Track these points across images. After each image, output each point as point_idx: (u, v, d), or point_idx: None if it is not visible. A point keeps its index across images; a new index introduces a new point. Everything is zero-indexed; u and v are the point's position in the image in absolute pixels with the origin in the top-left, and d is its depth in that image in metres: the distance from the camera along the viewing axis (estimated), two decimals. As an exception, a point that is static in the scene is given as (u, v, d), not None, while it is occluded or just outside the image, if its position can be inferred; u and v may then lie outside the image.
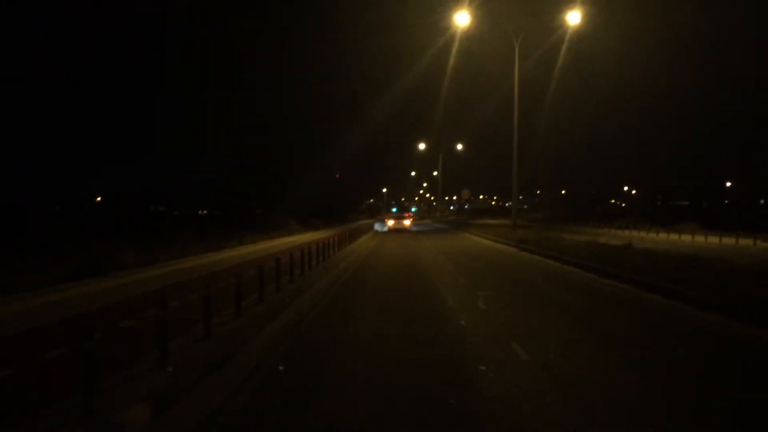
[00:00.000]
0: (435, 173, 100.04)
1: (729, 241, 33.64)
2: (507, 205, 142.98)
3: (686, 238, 38.40)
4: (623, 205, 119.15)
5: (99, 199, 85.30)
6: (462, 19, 33.48)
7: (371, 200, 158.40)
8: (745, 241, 32.44)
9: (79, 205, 75.71)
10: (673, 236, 40.51)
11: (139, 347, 8.18)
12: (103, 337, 6.29)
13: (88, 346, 5.88)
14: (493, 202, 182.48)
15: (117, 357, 7.59)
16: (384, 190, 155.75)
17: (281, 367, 8.13)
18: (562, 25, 34.69)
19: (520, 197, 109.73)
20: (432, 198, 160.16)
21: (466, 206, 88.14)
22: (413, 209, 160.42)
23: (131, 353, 7.91)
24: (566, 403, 6.43)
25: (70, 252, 18.83)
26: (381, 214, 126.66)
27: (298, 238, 41.01)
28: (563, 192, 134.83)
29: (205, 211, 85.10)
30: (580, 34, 36.13)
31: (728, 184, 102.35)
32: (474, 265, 22.43)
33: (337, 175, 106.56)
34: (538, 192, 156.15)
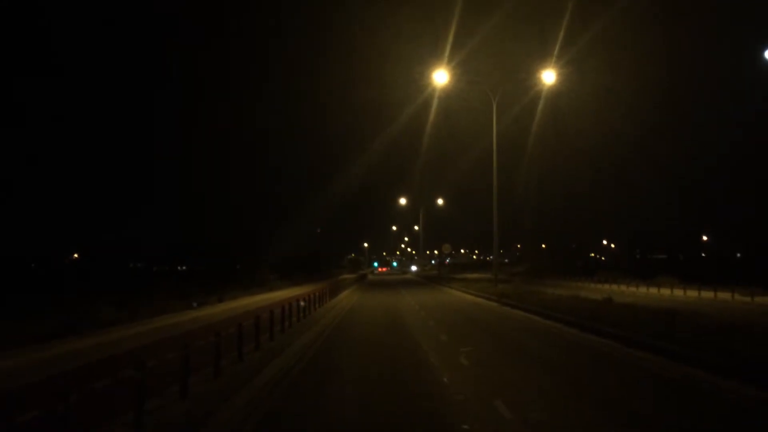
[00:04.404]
0: (416, 228, 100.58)
1: (707, 294, 33.90)
2: (488, 258, 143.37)
3: (665, 291, 38.65)
4: (603, 258, 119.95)
5: (76, 255, 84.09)
6: (441, 77, 34.39)
7: (353, 254, 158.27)
8: (723, 295, 32.73)
9: (56, 261, 74.52)
10: (653, 290, 40.76)
11: (115, 409, 7.97)
12: (78, 399, 6.16)
13: (62, 409, 5.75)
14: (474, 256, 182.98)
15: (92, 419, 7.39)
16: (365, 244, 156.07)
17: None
18: (537, 84, 35.77)
19: (501, 251, 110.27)
20: (413, 252, 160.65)
21: (447, 260, 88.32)
22: (395, 264, 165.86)
23: (106, 415, 7.70)
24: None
25: (47, 310, 18.49)
26: (362, 268, 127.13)
27: (279, 294, 40.56)
28: (543, 246, 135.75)
29: (184, 267, 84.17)
30: (556, 92, 37.27)
31: (704, 237, 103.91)
32: (456, 321, 22.33)
33: (319, 230, 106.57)
34: (519, 246, 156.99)
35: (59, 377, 10.40)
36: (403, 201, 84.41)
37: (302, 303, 22.98)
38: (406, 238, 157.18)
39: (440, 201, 77.68)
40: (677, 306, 22.23)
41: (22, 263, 63.16)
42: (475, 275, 76.50)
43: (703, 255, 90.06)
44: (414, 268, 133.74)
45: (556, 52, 34.71)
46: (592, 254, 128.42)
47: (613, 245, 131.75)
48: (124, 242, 77.00)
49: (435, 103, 40.09)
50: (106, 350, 13.97)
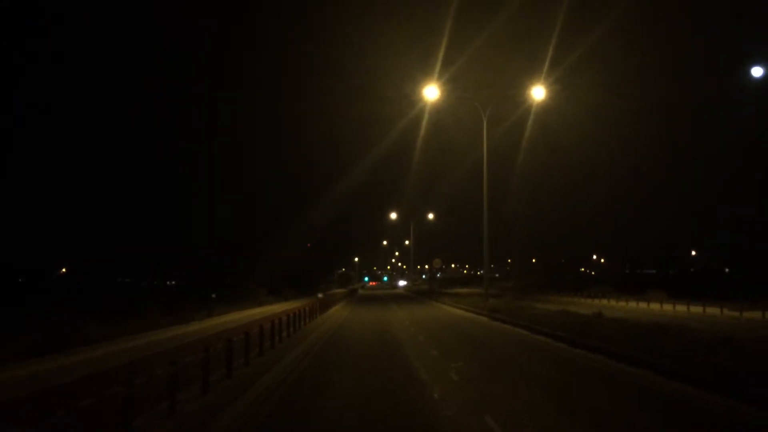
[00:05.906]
0: (407, 242, 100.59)
1: (696, 309, 33.98)
2: (479, 273, 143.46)
3: (654, 306, 38.74)
4: (592, 273, 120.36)
5: (64, 270, 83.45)
6: (431, 92, 34.54)
7: (343, 269, 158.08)
8: (712, 310, 32.83)
9: (44, 276, 73.91)
10: (642, 305, 40.85)
11: (101, 426, 7.88)
12: (64, 417, 6.10)
13: (47, 428, 5.69)
14: (465, 271, 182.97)
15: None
16: (356, 259, 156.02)
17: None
18: (528, 99, 35.99)
19: (492, 266, 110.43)
20: (404, 267, 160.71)
21: (438, 275, 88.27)
22: (385, 278, 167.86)
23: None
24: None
25: (35, 326, 18.30)
26: (352, 283, 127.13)
27: (269, 309, 40.43)
28: (534, 260, 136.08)
29: (173, 282, 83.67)
30: (546, 108, 37.48)
31: (693, 252, 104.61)
32: (446, 336, 22.27)
33: (309, 245, 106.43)
34: (510, 260, 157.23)
35: (44, 394, 10.27)
36: (393, 215, 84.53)
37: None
38: (396, 253, 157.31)
39: (431, 215, 77.95)
40: (667, 321, 22.26)
41: (10, 278, 62.53)
42: (465, 290, 76.40)
43: (692, 270, 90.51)
44: (404, 282, 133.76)
45: (545, 68, 35.05)
46: (582, 269, 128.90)
47: (603, 260, 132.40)
48: (112, 257, 76.56)
49: (426, 118, 40.30)
50: (93, 367, 13.84)
